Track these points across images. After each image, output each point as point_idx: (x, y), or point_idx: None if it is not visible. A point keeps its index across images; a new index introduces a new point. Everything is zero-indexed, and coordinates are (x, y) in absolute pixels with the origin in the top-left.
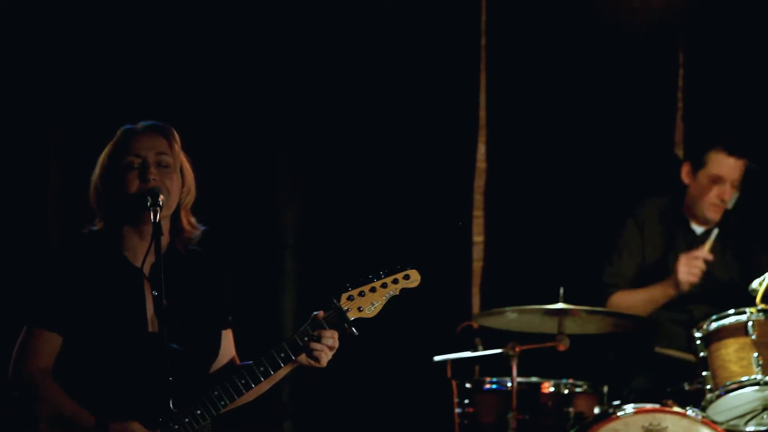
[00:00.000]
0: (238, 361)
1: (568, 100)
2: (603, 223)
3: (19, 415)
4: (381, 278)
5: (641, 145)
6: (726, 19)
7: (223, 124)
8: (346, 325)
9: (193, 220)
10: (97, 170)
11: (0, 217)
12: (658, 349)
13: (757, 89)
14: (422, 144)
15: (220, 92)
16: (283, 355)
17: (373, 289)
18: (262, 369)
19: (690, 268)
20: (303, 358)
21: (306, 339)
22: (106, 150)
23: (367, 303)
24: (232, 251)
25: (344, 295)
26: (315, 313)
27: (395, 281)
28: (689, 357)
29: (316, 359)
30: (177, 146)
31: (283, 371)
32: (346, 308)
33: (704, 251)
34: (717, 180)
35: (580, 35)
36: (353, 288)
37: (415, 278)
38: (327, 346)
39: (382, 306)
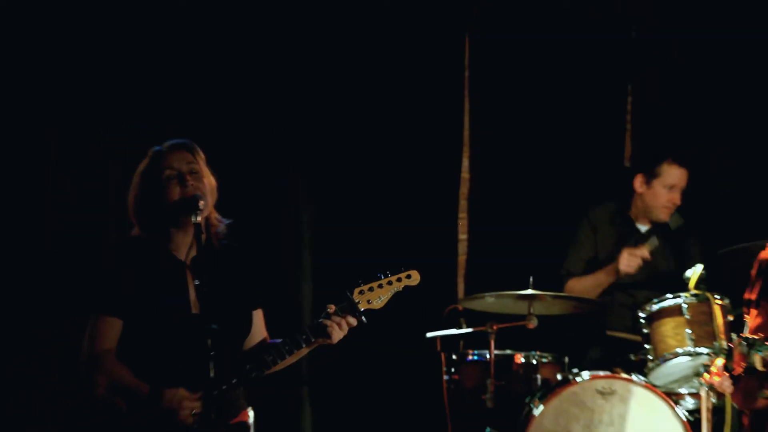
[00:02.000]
0: (268, 339)
1: (537, 123)
2: (564, 223)
3: (85, 384)
4: (388, 277)
5: (596, 160)
6: (666, 64)
7: (253, 139)
8: (357, 314)
9: (217, 215)
10: (134, 187)
11: (64, 221)
12: (609, 333)
13: (692, 115)
14: (417, 159)
15: (248, 110)
16: (304, 337)
17: (380, 286)
18: (287, 348)
19: (629, 261)
20: (320, 339)
21: (323, 324)
22: (140, 169)
23: (375, 297)
24: (259, 247)
25: (356, 290)
26: (326, 307)
27: (399, 280)
28: (635, 337)
29: (329, 336)
30: (201, 157)
31: (305, 350)
32: (357, 300)
33: (644, 251)
34: (670, 187)
35: (546, 73)
36: (364, 284)
37: (415, 278)
38: (338, 327)
39: (387, 300)
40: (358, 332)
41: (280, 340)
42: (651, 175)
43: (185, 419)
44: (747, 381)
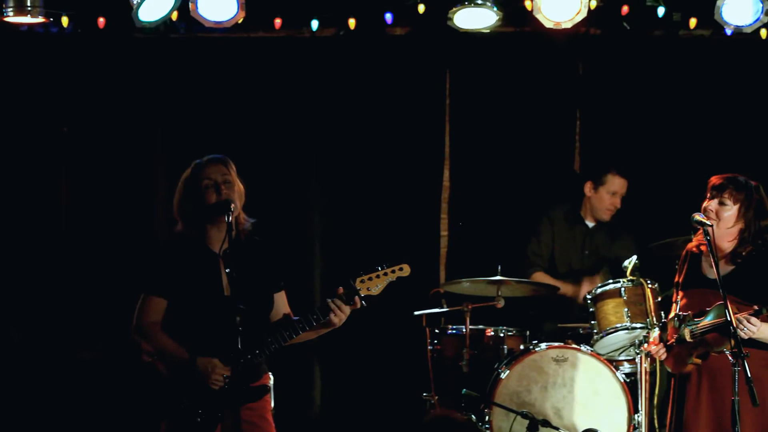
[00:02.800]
0: (291, 315)
1: (504, 141)
2: (526, 221)
3: (133, 350)
4: (384, 269)
5: (552, 169)
6: (605, 94)
7: (276, 154)
8: (357, 298)
9: (244, 216)
10: (179, 191)
11: (114, 218)
12: (560, 325)
13: (627, 133)
14: (407, 170)
15: (272, 132)
16: (315, 316)
17: (378, 276)
18: (300, 325)
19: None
20: (329, 319)
21: (330, 306)
22: (185, 177)
23: (373, 285)
24: (278, 240)
25: (358, 279)
26: (336, 290)
27: (393, 271)
28: (582, 325)
29: (334, 319)
30: (233, 169)
31: (317, 328)
32: (358, 288)
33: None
34: (613, 193)
35: (512, 101)
36: (365, 274)
37: (406, 270)
38: (341, 312)
39: (383, 287)
40: (360, 312)
41: (297, 318)
42: (598, 183)
43: (216, 382)
44: (678, 350)
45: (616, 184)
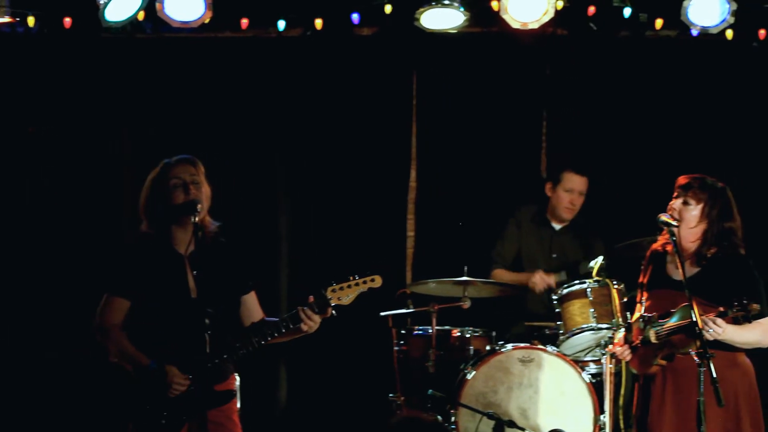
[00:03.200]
0: (265, 316)
1: (471, 142)
2: (493, 222)
3: (100, 350)
4: (356, 279)
5: (519, 170)
6: (572, 96)
7: (243, 156)
8: (328, 307)
9: (210, 218)
10: (145, 190)
11: (80, 218)
12: (526, 323)
13: (594, 134)
14: (374, 170)
15: (240, 133)
16: (285, 324)
17: (349, 286)
18: (270, 332)
19: (539, 282)
20: (298, 327)
21: (300, 315)
22: (152, 176)
23: (344, 295)
24: (246, 241)
25: (329, 288)
26: (307, 298)
27: (365, 282)
28: (548, 325)
29: (303, 325)
30: (201, 170)
31: (286, 335)
32: (329, 297)
33: (551, 280)
34: (569, 191)
35: (479, 102)
36: (336, 284)
37: (378, 282)
38: (311, 321)
39: (354, 298)
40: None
41: (267, 324)
42: (555, 182)
43: (175, 392)
44: (643, 351)
45: (571, 181)
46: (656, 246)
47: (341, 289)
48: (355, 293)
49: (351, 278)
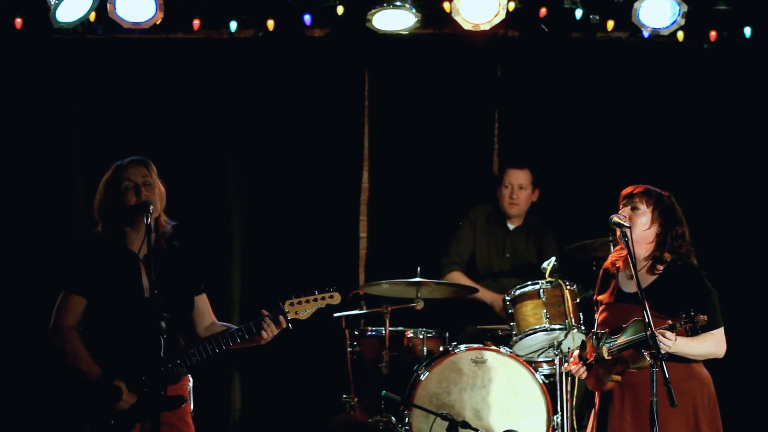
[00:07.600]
0: (216, 320)
1: (423, 143)
2: (447, 222)
3: (54, 352)
4: (315, 294)
5: (473, 172)
6: (527, 91)
7: (197, 156)
8: (284, 320)
9: (165, 218)
10: (99, 193)
11: (32, 216)
12: (479, 327)
13: (549, 134)
14: (326, 171)
15: (193, 136)
16: (240, 333)
17: (308, 301)
18: (225, 341)
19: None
20: (253, 337)
21: (256, 326)
22: (105, 178)
23: (302, 309)
24: (199, 242)
25: (288, 302)
26: (264, 310)
27: (324, 298)
28: (501, 327)
29: (259, 336)
30: (154, 171)
31: (240, 344)
32: (287, 311)
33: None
34: (508, 186)
35: (430, 102)
36: (295, 298)
37: (337, 299)
38: (266, 332)
39: (312, 313)
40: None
41: (229, 327)
42: (499, 180)
43: (123, 407)
44: (597, 367)
45: (509, 176)
46: (607, 264)
47: (299, 303)
48: (313, 308)
49: (310, 293)
